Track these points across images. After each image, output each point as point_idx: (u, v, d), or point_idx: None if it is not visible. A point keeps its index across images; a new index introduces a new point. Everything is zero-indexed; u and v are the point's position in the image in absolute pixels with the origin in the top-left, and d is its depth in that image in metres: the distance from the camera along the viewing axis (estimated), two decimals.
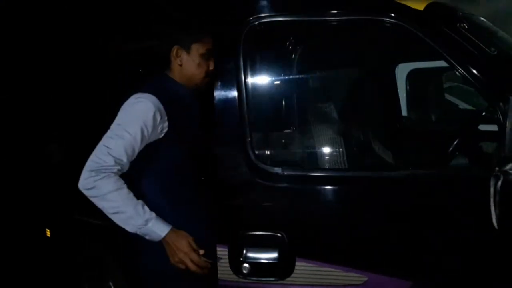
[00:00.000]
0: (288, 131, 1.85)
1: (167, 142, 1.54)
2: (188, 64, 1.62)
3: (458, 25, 1.40)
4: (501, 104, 1.23)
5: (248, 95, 1.49)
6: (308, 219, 1.49)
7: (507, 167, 1.15)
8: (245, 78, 1.49)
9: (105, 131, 1.52)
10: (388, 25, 1.47)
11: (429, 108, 3.63)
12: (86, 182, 1.46)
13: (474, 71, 1.31)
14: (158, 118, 1.51)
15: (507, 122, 1.15)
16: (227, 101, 1.52)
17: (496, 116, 1.28)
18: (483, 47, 1.32)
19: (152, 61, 2.52)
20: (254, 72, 1.61)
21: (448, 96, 4.75)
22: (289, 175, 1.50)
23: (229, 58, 1.53)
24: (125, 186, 1.47)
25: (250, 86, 1.52)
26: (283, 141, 1.81)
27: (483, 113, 1.91)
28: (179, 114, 1.57)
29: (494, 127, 2.32)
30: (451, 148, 1.66)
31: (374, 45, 2.16)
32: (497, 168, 1.17)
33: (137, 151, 1.50)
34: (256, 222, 1.50)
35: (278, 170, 1.49)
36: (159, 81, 1.65)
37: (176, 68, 1.65)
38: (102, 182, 1.43)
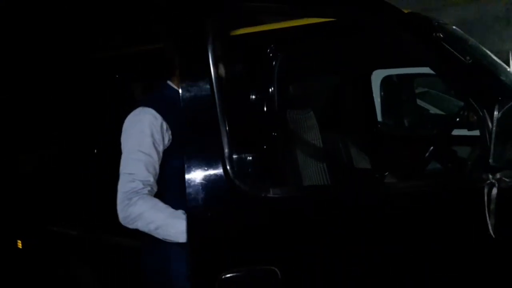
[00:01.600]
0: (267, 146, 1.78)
1: (171, 152, 1.48)
2: (222, 75, 1.45)
3: (434, 34, 1.44)
4: (484, 111, 1.23)
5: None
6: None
7: (499, 175, 1.16)
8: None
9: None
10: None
11: (403, 113, 3.74)
12: (124, 216, 1.39)
13: (455, 79, 1.33)
14: (164, 127, 1.46)
15: (493, 129, 1.13)
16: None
17: (476, 122, 1.29)
18: (460, 56, 1.35)
19: (129, 67, 2.50)
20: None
21: (419, 102, 4.90)
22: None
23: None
24: (159, 201, 1.41)
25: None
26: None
27: (457, 119, 1.98)
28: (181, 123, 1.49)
29: (462, 132, 2.43)
30: (427, 154, 1.70)
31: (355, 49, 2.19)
32: (490, 176, 1.16)
33: (158, 166, 1.45)
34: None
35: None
36: (158, 91, 1.59)
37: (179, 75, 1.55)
38: (136, 205, 1.37)
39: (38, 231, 2.56)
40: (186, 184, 1.12)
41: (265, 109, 1.82)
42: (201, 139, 1.16)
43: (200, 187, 1.13)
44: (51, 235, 2.47)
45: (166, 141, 1.47)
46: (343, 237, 1.21)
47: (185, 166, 1.13)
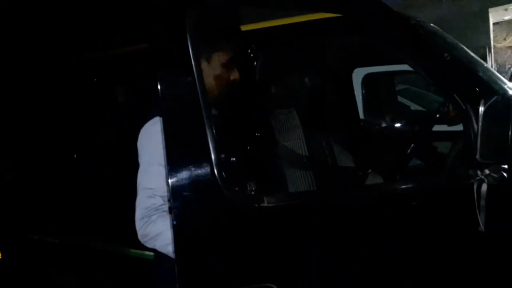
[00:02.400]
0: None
1: None
2: (207, 75, 1.39)
3: (412, 32, 1.46)
4: (468, 106, 1.23)
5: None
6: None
7: (488, 171, 1.16)
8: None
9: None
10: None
11: (384, 110, 3.77)
12: (143, 234, 1.32)
13: (434, 76, 1.34)
14: None
15: (480, 125, 1.12)
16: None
17: (457, 118, 1.29)
18: (439, 53, 1.36)
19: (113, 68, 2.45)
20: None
21: (400, 98, 4.96)
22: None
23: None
24: None
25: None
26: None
27: (437, 115, 2.01)
28: None
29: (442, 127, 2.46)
30: (408, 151, 1.72)
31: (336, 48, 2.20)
32: (479, 172, 1.16)
33: None
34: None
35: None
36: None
37: None
38: (156, 223, 1.30)
39: (18, 240, 2.50)
40: (171, 195, 0.99)
41: (247, 110, 1.81)
42: (186, 144, 1.04)
43: (187, 198, 1.00)
44: (32, 244, 2.41)
45: None
46: (342, 245, 1.15)
47: (168, 174, 1.00)
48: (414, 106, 5.48)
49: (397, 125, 3.49)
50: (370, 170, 2.25)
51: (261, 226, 1.08)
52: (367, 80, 3.70)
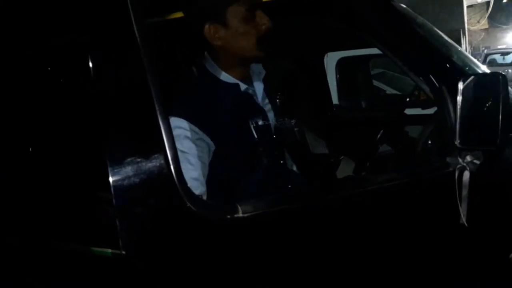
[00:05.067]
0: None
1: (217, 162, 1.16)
2: (233, 39, 1.16)
3: (381, 11, 1.38)
4: (443, 88, 1.12)
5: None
6: None
7: (470, 158, 1.04)
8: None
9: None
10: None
11: (359, 95, 3.73)
12: None
13: (406, 57, 1.25)
14: (202, 138, 1.13)
15: (458, 108, 1.00)
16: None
17: (430, 101, 1.19)
18: (410, 33, 1.29)
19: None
20: None
21: (375, 83, 4.93)
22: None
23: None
24: None
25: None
26: None
27: (407, 99, 1.94)
28: (229, 128, 1.17)
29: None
30: (378, 136, 1.64)
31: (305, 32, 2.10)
32: (460, 160, 1.04)
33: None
34: None
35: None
36: (192, 92, 1.20)
37: (220, 52, 1.19)
38: None
39: None
40: (114, 209, 0.72)
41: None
42: (132, 138, 0.77)
43: (136, 214, 0.74)
44: None
45: (208, 151, 1.15)
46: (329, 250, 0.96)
47: (110, 179, 0.72)
48: (390, 91, 5.47)
49: (372, 110, 3.45)
50: (342, 157, 2.18)
51: (238, 245, 0.82)
52: (342, 64, 3.63)
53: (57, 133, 0.84)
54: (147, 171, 0.74)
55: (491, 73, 1.18)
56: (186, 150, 1.09)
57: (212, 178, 1.13)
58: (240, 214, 0.80)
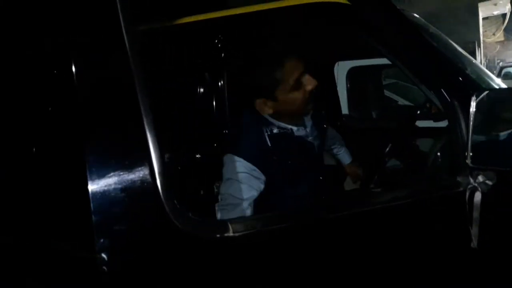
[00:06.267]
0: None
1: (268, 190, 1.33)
2: (283, 108, 1.34)
3: (393, 21, 1.32)
4: (455, 103, 1.04)
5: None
6: None
7: (481, 179, 0.98)
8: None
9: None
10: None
11: (370, 105, 3.66)
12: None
13: (417, 68, 1.19)
14: (255, 175, 1.31)
15: (470, 125, 0.95)
16: None
17: (445, 116, 1.12)
18: (422, 44, 1.22)
19: None
20: None
21: (387, 93, 4.85)
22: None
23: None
24: None
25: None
26: None
27: (418, 112, 1.88)
28: (280, 164, 1.34)
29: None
30: (387, 150, 1.58)
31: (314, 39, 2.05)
32: (471, 180, 0.98)
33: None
34: None
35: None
36: (253, 133, 1.38)
37: (270, 114, 1.39)
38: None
39: None
40: (93, 230, 0.65)
41: (214, 105, 1.67)
42: (115, 149, 0.71)
43: (116, 233, 0.67)
44: None
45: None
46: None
47: (89, 193, 0.67)
48: (402, 102, 5.39)
49: (382, 121, 3.39)
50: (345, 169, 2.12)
51: (228, 265, 0.77)
52: (352, 73, 3.57)
53: (36, 141, 0.80)
54: (130, 185, 0.68)
55: (506, 88, 1.11)
56: (240, 179, 1.27)
57: (263, 200, 1.31)
58: (231, 233, 0.75)
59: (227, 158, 1.33)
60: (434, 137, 1.85)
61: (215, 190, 1.53)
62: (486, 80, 1.33)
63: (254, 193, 1.29)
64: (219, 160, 1.41)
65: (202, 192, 1.71)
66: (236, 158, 1.30)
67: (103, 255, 0.67)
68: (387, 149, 1.61)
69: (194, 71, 1.66)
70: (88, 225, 0.67)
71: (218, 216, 1.27)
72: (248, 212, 1.26)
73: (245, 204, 1.27)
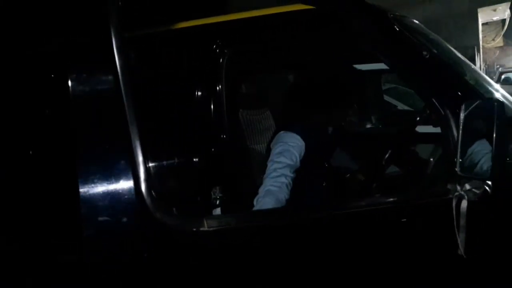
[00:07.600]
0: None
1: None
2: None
3: (389, 27, 1.32)
4: (448, 112, 1.07)
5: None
6: None
7: (468, 187, 0.99)
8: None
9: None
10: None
11: (369, 110, 3.65)
12: None
13: (410, 75, 1.19)
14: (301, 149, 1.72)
15: (460, 135, 0.97)
16: None
17: (437, 123, 1.13)
18: (417, 50, 1.22)
19: None
20: None
21: (387, 98, 4.85)
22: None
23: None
24: None
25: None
26: None
27: (418, 118, 1.88)
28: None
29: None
30: (386, 156, 1.57)
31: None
32: (458, 187, 0.99)
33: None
34: None
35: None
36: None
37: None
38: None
39: None
40: (82, 220, 0.72)
41: (212, 109, 1.66)
42: (102, 150, 0.76)
43: (103, 225, 0.73)
44: None
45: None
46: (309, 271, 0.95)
47: (80, 190, 0.72)
48: (402, 106, 5.38)
49: (381, 126, 3.38)
50: (348, 175, 2.11)
51: (203, 258, 0.82)
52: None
53: (26, 144, 0.81)
54: (116, 182, 0.74)
55: (488, 99, 1.12)
56: (289, 162, 1.67)
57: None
58: (206, 228, 0.81)
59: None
60: (434, 143, 1.85)
61: (212, 196, 1.52)
62: (484, 86, 1.32)
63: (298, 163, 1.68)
64: (216, 164, 1.40)
65: (199, 196, 1.71)
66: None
67: (91, 252, 0.74)
68: (386, 155, 1.60)
69: (192, 75, 1.65)
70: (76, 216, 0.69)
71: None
72: (289, 180, 1.62)
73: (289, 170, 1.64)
